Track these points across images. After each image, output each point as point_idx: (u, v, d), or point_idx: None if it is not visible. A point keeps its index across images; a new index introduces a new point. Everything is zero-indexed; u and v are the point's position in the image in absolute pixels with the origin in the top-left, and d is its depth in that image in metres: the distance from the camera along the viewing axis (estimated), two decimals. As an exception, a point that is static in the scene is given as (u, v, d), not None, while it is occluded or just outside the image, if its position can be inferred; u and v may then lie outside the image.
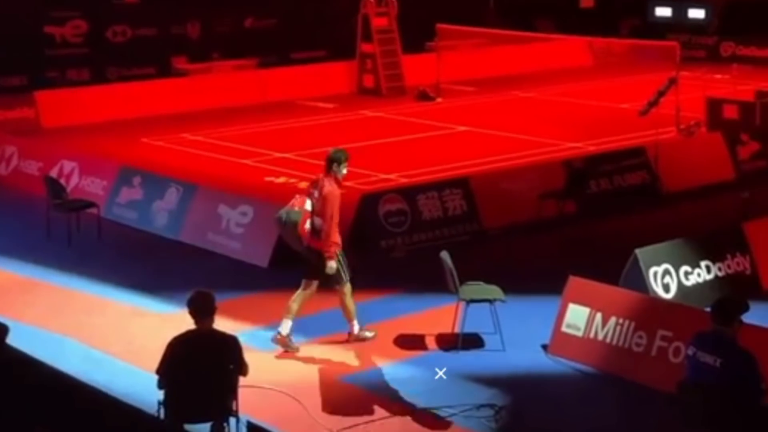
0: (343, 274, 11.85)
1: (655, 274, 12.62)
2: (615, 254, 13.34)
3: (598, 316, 11.39)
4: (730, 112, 22.03)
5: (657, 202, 17.82)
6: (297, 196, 12.07)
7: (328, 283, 11.87)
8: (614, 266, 12.82)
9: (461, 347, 11.76)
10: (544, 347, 11.71)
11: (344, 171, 11.83)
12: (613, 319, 11.27)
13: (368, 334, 12.11)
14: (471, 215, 16.21)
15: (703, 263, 13.08)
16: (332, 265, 11.66)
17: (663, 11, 34.88)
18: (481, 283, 12.12)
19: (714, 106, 22.43)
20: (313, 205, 11.71)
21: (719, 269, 13.17)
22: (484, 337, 11.96)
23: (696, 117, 22.29)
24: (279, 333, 11.80)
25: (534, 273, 14.11)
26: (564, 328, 11.63)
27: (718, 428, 8.56)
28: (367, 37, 28.05)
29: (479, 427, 10.05)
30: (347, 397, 10.83)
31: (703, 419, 8.62)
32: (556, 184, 16.77)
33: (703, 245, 13.31)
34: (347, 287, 11.93)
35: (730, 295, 9.06)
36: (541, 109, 25.97)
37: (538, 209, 16.31)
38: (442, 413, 10.27)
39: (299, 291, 11.88)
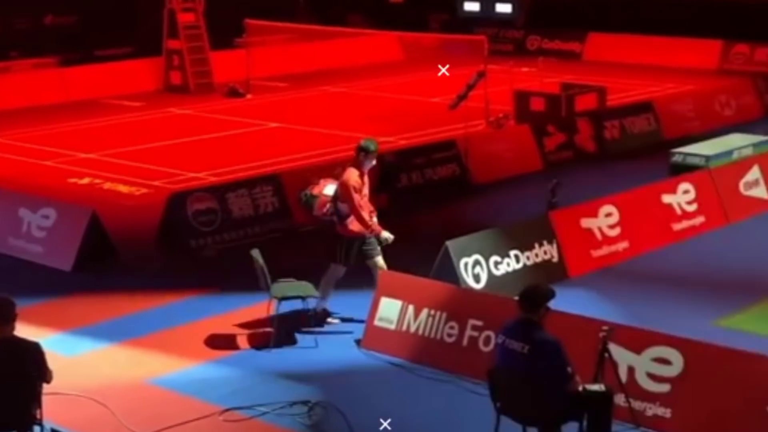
0: (341, 255, 11.98)
1: (466, 264, 12.72)
2: (426, 247, 13.42)
3: (410, 308, 11.39)
4: (537, 105, 22.52)
5: (467, 194, 18.01)
6: (321, 180, 12.30)
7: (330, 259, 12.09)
8: (426, 259, 12.89)
9: (273, 345, 11.59)
10: (358, 342, 11.64)
11: (372, 162, 12.04)
12: (425, 311, 11.28)
13: (332, 320, 12.23)
14: (283, 212, 16.06)
15: (512, 253, 13.25)
16: (386, 235, 11.96)
17: (471, 6, 35.44)
18: (293, 280, 11.99)
19: (521, 98, 22.90)
20: (336, 191, 11.90)
21: (527, 258, 13.37)
22: (296, 334, 11.83)
23: (504, 110, 22.68)
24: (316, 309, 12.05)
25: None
26: (376, 322, 11.58)
27: (527, 414, 8.64)
28: (173, 34, 27.59)
29: (293, 425, 9.92)
30: (157, 400, 10.53)
31: (512, 406, 8.68)
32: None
33: (511, 235, 13.49)
34: (336, 269, 12.09)
35: (536, 283, 9.14)
36: (352, 104, 26.01)
37: (349, 204, 16.22)
38: (254, 412, 10.10)
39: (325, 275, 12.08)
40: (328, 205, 12.09)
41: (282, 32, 30.15)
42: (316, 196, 12.21)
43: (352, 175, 11.88)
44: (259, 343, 11.75)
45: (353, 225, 11.93)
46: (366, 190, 12.08)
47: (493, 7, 34.92)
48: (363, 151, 11.96)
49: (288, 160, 19.59)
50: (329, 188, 12.19)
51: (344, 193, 11.82)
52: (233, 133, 22.66)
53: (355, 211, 11.83)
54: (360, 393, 10.58)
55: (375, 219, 12.17)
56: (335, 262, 12.14)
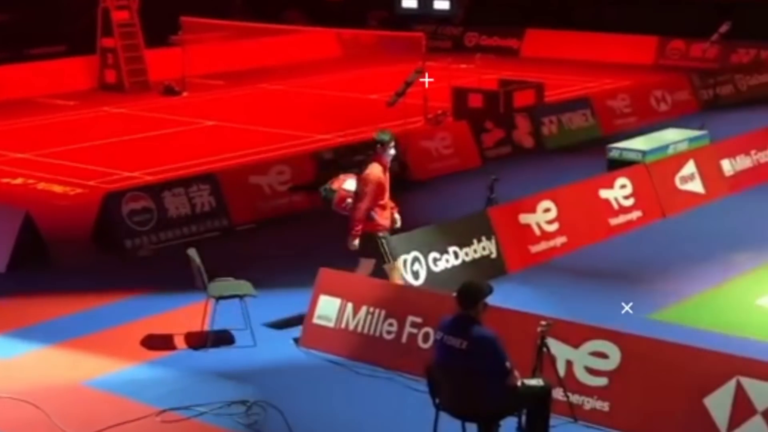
0: (385, 255, 11.83)
1: (405, 261, 12.67)
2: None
3: (349, 306, 11.33)
4: (475, 101, 22.57)
5: (406, 191, 17.93)
6: (342, 175, 12.20)
7: (378, 263, 11.94)
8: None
9: (211, 345, 11.48)
10: (296, 340, 11.56)
11: (392, 152, 11.90)
12: (364, 309, 11.24)
13: None
14: (220, 211, 15.95)
15: (450, 249, 13.25)
16: (354, 243, 11.72)
17: (409, 2, 35.42)
18: (231, 279, 11.89)
19: (460, 95, 22.94)
20: (357, 185, 11.78)
21: (466, 254, 13.37)
22: (234, 333, 11.73)
23: (443, 106, 22.72)
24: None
25: (285, 266, 14.00)
26: (315, 320, 11.52)
27: (466, 410, 8.61)
28: (107, 32, 27.34)
29: (231, 425, 9.82)
30: (93, 401, 10.38)
31: (451, 402, 8.66)
32: (305, 176, 16.65)
33: (450, 231, 13.49)
34: (391, 267, 11.90)
35: (474, 280, 9.12)
36: (290, 102, 25.91)
37: (288, 202, 16.16)
38: (192, 412, 9.99)
39: (391, 271, 11.91)
40: (348, 200, 11.99)
41: (218, 29, 29.98)
42: (335, 190, 12.09)
43: (374, 170, 11.75)
44: (196, 343, 11.62)
45: (381, 219, 11.86)
46: (387, 185, 11.94)
47: (432, 4, 34.94)
48: (379, 144, 11.86)
49: (225, 158, 19.48)
50: (350, 183, 12.03)
51: (361, 187, 11.71)
52: (169, 132, 22.48)
53: (357, 205, 11.65)
54: (299, 391, 10.51)
55: (397, 215, 12.17)
56: (386, 264, 11.95)
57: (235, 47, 30.57)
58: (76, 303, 12.82)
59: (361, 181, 11.72)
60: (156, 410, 10.02)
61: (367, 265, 12.01)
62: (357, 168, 12.22)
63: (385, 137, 11.91)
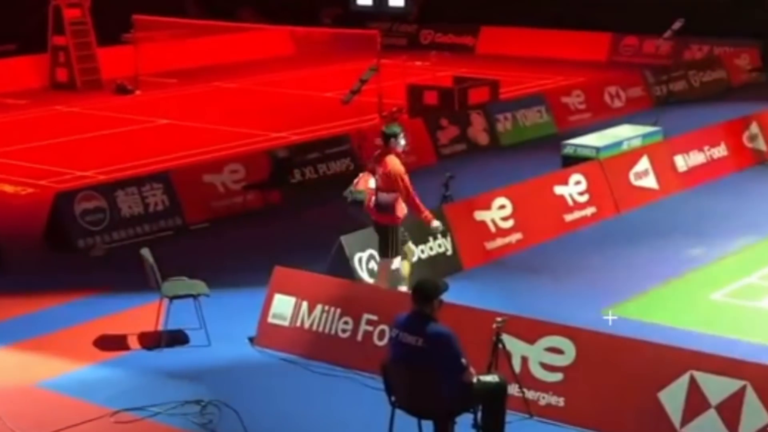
0: (390, 249, 11.94)
1: (360, 259, 12.66)
2: (321, 242, 13.36)
3: (304, 304, 11.28)
4: (431, 98, 22.59)
5: (361, 189, 17.92)
6: (361, 174, 12.23)
7: (379, 254, 12.07)
8: (320, 254, 12.84)
9: (165, 345, 11.40)
10: (251, 339, 11.49)
11: (402, 142, 12.05)
12: (319, 307, 11.19)
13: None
14: (173, 210, 15.84)
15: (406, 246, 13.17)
16: (436, 224, 12.10)
17: (364, 0, 35.36)
18: (185, 278, 11.81)
19: (415, 92, 22.95)
20: (376, 182, 11.89)
21: (422, 251, 13.35)
22: (188, 332, 11.64)
23: (398, 103, 22.70)
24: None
25: (239, 265, 13.92)
26: (270, 319, 11.46)
27: (421, 407, 8.59)
28: (59, 30, 27.09)
29: (185, 424, 9.75)
30: (46, 403, 10.27)
31: (407, 399, 8.64)
32: (260, 174, 16.58)
33: (406, 229, 13.39)
34: (392, 262, 12.00)
35: (429, 277, 9.10)
36: (244, 100, 25.81)
37: (242, 201, 16.08)
38: (146, 413, 9.91)
39: (400, 262, 12.10)
40: (372, 198, 12.05)
41: (171, 27, 29.79)
42: (363, 191, 12.06)
43: (396, 162, 11.85)
44: (150, 343, 11.52)
45: (400, 212, 11.96)
46: None
47: (386, 2, 34.88)
48: (393, 137, 11.99)
49: (178, 157, 19.36)
50: (372, 182, 12.08)
51: (394, 181, 11.75)
52: (122, 131, 22.31)
53: (411, 197, 11.85)
54: (254, 391, 10.45)
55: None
56: (386, 257, 12.04)
57: (189, 45, 30.40)
58: (28, 304, 12.68)
59: (392, 176, 11.77)
60: (109, 411, 9.93)
61: (407, 252, 12.33)
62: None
63: (397, 129, 12.14)
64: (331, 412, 10.02)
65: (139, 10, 26.97)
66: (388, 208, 11.91)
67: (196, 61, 29.82)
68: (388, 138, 12.02)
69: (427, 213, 12.07)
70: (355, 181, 12.23)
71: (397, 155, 11.98)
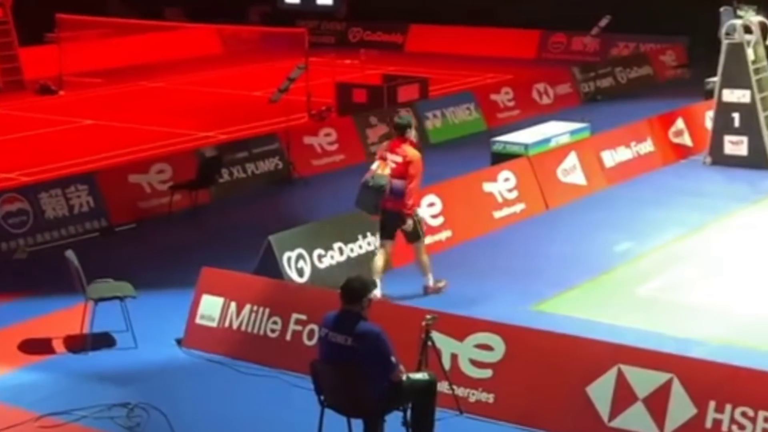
0: (420, 231, 12.48)
1: (289, 259, 12.58)
2: (250, 242, 13.28)
3: (233, 305, 11.19)
4: (360, 97, 22.56)
5: (290, 188, 17.87)
6: (379, 162, 12.38)
7: (409, 239, 12.51)
8: (249, 254, 12.74)
9: (91, 347, 11.23)
10: (179, 341, 11.37)
11: (414, 132, 12.62)
12: (247, 307, 11.10)
13: (441, 284, 12.65)
14: (99, 211, 15.65)
15: (335, 245, 13.19)
16: (410, 222, 12.35)
17: (292, -3, 35.33)
18: (111, 280, 11.66)
19: (344, 90, 22.92)
20: (390, 170, 12.24)
21: (351, 250, 13.32)
22: (115, 335, 11.49)
23: (327, 102, 22.62)
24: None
25: (168, 266, 13.80)
26: (198, 320, 11.35)
27: (351, 406, 8.56)
28: (-21, 30, 26.62)
29: (112, 428, 9.62)
30: (-32, 410, 10.06)
31: (336, 398, 8.60)
32: (187, 174, 16.42)
33: (335, 228, 13.42)
34: (421, 243, 12.56)
35: (358, 275, 9.04)
36: (171, 99, 25.60)
37: (169, 201, 15.92)
38: (72, 417, 9.76)
39: (380, 251, 12.54)
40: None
41: (96, 27, 29.45)
42: (385, 176, 12.27)
43: (413, 151, 12.37)
44: (75, 346, 11.35)
45: (411, 200, 12.35)
46: None
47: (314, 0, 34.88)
48: (409, 127, 12.51)
49: (104, 157, 19.13)
50: (387, 169, 12.34)
51: (416, 168, 12.28)
52: (45, 132, 22.01)
53: (413, 187, 12.34)
54: (182, 392, 10.34)
55: None
56: (417, 241, 12.56)
57: (114, 45, 30.07)
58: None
59: (414, 164, 12.25)
60: (34, 415, 9.77)
61: (390, 245, 12.56)
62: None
63: (410, 118, 12.97)
64: (260, 412, 9.94)
65: (63, 10, 26.60)
66: (402, 195, 12.26)
67: (122, 60, 29.51)
68: (403, 128, 12.47)
69: (411, 208, 12.42)
70: (373, 168, 12.37)
71: (412, 144, 12.47)
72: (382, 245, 12.58)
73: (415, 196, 12.52)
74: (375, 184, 12.22)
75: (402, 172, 12.23)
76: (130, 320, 11.33)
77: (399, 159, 12.30)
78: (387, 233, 12.52)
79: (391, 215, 12.35)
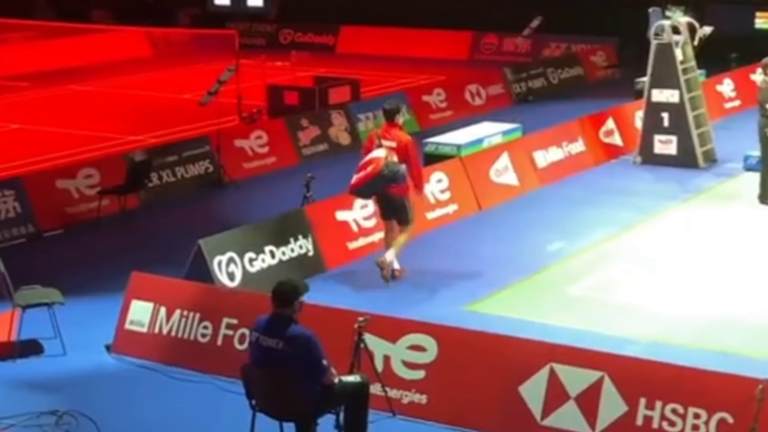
0: (411, 214, 13.06)
1: (220, 263, 12.46)
2: (180, 246, 13.14)
3: (163, 310, 11.07)
4: (291, 99, 22.47)
5: (221, 191, 17.72)
6: (384, 150, 12.80)
7: (400, 221, 13.09)
8: (179, 259, 12.62)
9: (18, 355, 11.04)
10: (108, 347, 11.22)
11: (402, 118, 13.28)
12: (177, 312, 10.99)
13: (396, 266, 13.10)
14: (26, 217, 15.36)
15: (267, 248, 13.09)
16: (408, 203, 13.06)
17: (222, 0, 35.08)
18: (38, 287, 11.47)
19: (275, 93, 22.82)
20: (394, 153, 12.83)
21: (283, 253, 13.23)
22: (43, 342, 11.30)
23: (258, 104, 22.49)
24: (384, 258, 12.92)
25: (96, 272, 13.61)
26: (127, 326, 11.21)
27: (283, 410, 8.51)
28: None
29: (41, 437, 9.46)
30: None
31: (268, 403, 8.55)
32: (116, 179, 16.21)
33: (266, 231, 13.34)
34: (411, 227, 13.17)
35: (289, 278, 8.99)
36: (100, 103, 25.30)
37: (97, 206, 15.72)
38: (-2, 427, 9.60)
39: (386, 231, 13.23)
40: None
41: (21, 29, 29.02)
42: (397, 162, 12.80)
43: (407, 135, 13.12)
44: (3, 353, 11.13)
45: (423, 179, 13.33)
46: None
47: (245, 1, 34.66)
48: (397, 112, 13.11)
49: (30, 162, 18.81)
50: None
51: (414, 150, 13.08)
52: (-30, 136, 21.63)
53: (419, 166, 13.31)
54: (112, 399, 10.22)
55: None
56: (407, 224, 13.14)
57: (41, 47, 29.62)
58: None
59: (412, 147, 12.96)
60: (-43, 427, 9.61)
61: (392, 226, 13.16)
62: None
63: (398, 103, 13.46)
64: (192, 418, 9.85)
65: (-13, 12, 26.21)
66: (402, 179, 12.87)
67: (49, 63, 29.08)
68: (393, 114, 13.02)
69: (423, 185, 13.42)
70: (376, 155, 12.77)
71: (399, 128, 13.05)
72: (387, 225, 13.24)
73: (418, 173, 13.24)
74: (391, 172, 12.72)
75: (402, 156, 12.80)
76: (58, 327, 11.17)
77: (393, 144, 12.84)
78: (389, 214, 13.16)
79: (392, 199, 12.95)
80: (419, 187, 13.30)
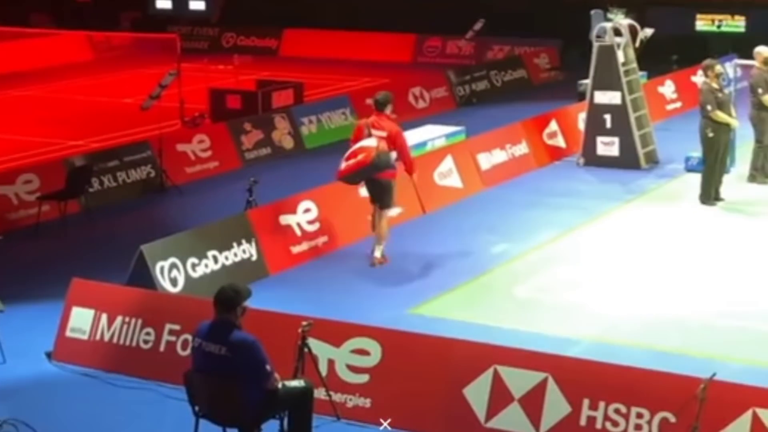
0: (392, 200, 13.67)
1: (162, 268, 12.34)
2: (122, 252, 13.03)
3: (104, 316, 10.94)
4: (233, 102, 22.37)
5: (163, 196, 17.57)
6: (375, 139, 13.38)
7: (382, 205, 13.67)
8: (121, 265, 12.49)
9: (-43, 365, 10.86)
10: (49, 354, 11.06)
11: (391, 107, 13.84)
12: (119, 319, 10.86)
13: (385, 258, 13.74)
14: (-36, 223, 15.13)
15: (210, 254, 12.99)
16: (393, 187, 13.68)
17: (163, 3, 34.84)
18: (-22, 294, 11.28)
19: (217, 96, 22.70)
20: (384, 142, 13.43)
21: (226, 258, 13.13)
22: (-19, 351, 11.12)
23: (200, 108, 22.34)
24: (376, 257, 13.65)
25: (37, 279, 13.45)
26: (68, 333, 11.07)
27: (226, 416, 8.45)
28: None
29: (-21, 447, 9.31)
30: None
31: (211, 409, 8.48)
32: (56, 184, 16.01)
33: (209, 236, 13.23)
34: (392, 211, 13.77)
35: (231, 284, 8.90)
36: (39, 108, 24.98)
37: (37, 212, 15.50)
38: (-65, 439, 9.41)
39: (378, 216, 13.69)
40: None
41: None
42: (389, 152, 13.42)
43: (395, 124, 13.76)
44: (-56, 363, 10.99)
45: (415, 166, 13.95)
46: None
47: (187, 5, 34.44)
48: (387, 103, 13.72)
49: (-31, 168, 18.52)
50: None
51: (403, 139, 13.75)
52: None
53: (408, 152, 13.98)
54: (53, 407, 10.08)
55: None
56: (388, 208, 13.72)
57: (-23, 52, 29.26)
58: None
59: (398, 136, 13.61)
60: None
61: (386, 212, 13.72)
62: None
63: (388, 94, 13.95)
64: (134, 425, 9.75)
65: None
66: (391, 165, 13.50)
67: (-13, 68, 28.74)
68: (383, 105, 13.66)
69: (414, 169, 13.97)
70: (366, 144, 13.29)
71: (388, 118, 13.65)
72: (382, 214, 13.72)
73: (408, 159, 13.87)
74: (382, 161, 13.29)
75: (392, 145, 13.45)
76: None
77: (383, 133, 13.47)
78: (381, 201, 13.67)
79: (381, 183, 13.52)
80: (411, 172, 13.89)
